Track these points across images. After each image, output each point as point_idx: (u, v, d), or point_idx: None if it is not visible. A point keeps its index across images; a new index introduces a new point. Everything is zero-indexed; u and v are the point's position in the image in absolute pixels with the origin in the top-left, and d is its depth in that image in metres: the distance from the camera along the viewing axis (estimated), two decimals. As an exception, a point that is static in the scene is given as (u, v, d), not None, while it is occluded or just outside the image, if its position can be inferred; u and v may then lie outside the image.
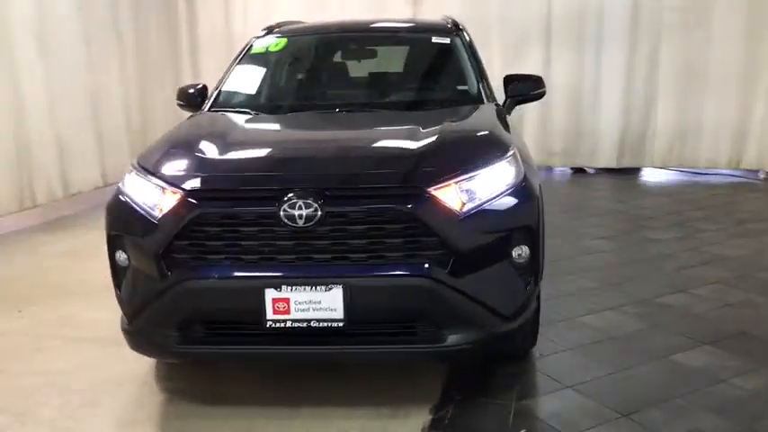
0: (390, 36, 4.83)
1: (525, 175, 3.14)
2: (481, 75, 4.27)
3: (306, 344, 2.93)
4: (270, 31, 4.76)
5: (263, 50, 4.58)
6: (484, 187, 2.99)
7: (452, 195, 2.92)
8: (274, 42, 4.63)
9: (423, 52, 4.66)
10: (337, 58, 4.76)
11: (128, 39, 8.34)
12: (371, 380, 3.41)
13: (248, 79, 4.37)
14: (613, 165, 8.98)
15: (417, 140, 3.23)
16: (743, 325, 3.97)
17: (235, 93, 4.30)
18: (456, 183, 2.94)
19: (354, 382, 3.39)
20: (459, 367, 3.52)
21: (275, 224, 2.83)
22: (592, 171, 9.22)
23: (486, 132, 3.44)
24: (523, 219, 3.06)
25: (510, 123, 3.87)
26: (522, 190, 3.08)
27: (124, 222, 3.08)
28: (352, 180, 2.96)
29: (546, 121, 9.12)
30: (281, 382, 3.44)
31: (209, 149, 3.26)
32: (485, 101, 4.03)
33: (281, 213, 2.81)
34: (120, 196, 3.15)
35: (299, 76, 4.56)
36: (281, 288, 2.84)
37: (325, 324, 2.87)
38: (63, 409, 3.23)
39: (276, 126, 3.93)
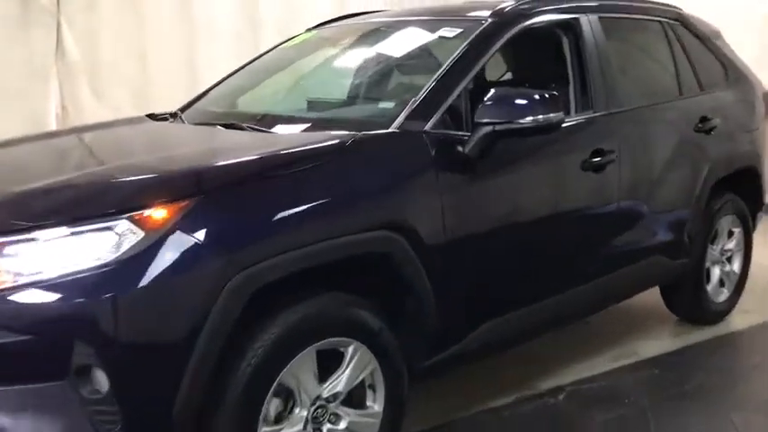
0: (406, 28, 3.36)
1: (148, 254, 1.90)
2: (443, 89, 2.69)
3: None
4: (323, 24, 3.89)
5: (287, 45, 3.79)
6: (42, 258, 1.91)
7: (-11, 261, 1.94)
8: (301, 37, 3.77)
9: (414, 52, 3.15)
10: (328, 56, 3.59)
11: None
12: None
13: (236, 79, 3.66)
14: None
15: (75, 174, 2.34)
16: None
17: (208, 93, 3.65)
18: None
19: None
20: None
21: None
22: None
23: (138, 175, 2.17)
24: (93, 320, 1.87)
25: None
26: (122, 273, 1.90)
27: None
28: None
29: None
30: None
31: None
32: (393, 126, 2.53)
33: None
34: None
35: (264, 78, 3.57)
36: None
37: None
38: None
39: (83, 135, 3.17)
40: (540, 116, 2.59)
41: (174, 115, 3.34)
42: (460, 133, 2.65)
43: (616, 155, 3.20)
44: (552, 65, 3.33)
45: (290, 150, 2.32)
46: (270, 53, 3.82)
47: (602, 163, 3.13)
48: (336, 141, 2.40)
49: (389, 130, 2.53)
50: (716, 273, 4.09)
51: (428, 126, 2.58)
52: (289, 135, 2.62)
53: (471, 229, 2.63)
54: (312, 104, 3.28)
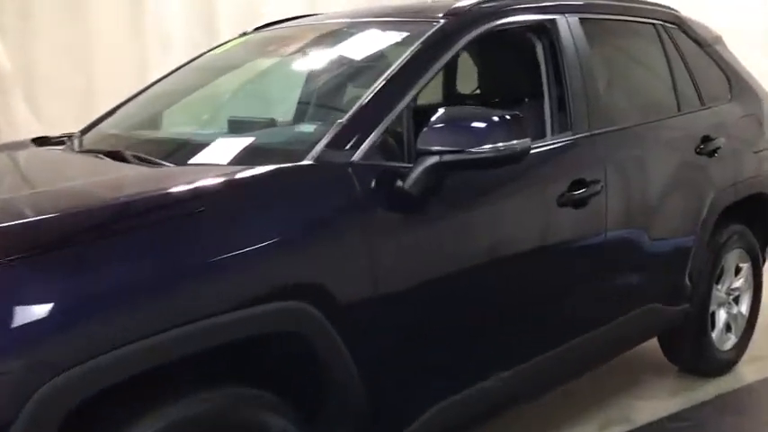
0: (349, 33, 2.76)
1: None
2: (378, 108, 2.11)
3: None
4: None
5: (217, 52, 3.20)
6: None
7: None
8: (233, 42, 3.20)
9: (353, 62, 2.54)
10: (259, 65, 3.01)
11: None
12: None
13: (157, 92, 3.07)
14: None
15: None
16: None
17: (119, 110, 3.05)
18: None
19: None
20: None
21: None
22: None
23: None
24: None
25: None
26: None
27: None
28: None
29: None
30: None
31: None
32: (309, 157, 1.95)
33: None
34: None
35: (188, 92, 2.99)
36: None
37: None
38: None
39: None
40: (501, 143, 2.01)
41: (70, 138, 2.76)
42: (401, 164, 2.07)
43: (601, 185, 2.62)
44: (522, 77, 2.76)
45: (152, 195, 1.72)
46: (197, 61, 3.24)
47: (583, 196, 2.55)
48: (222, 180, 1.80)
49: (303, 162, 1.95)
50: (722, 316, 3.51)
51: (357, 156, 2.00)
52: (170, 171, 2.03)
53: (413, 286, 2.04)
54: (233, 125, 2.69)
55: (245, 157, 2.05)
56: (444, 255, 2.13)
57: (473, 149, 1.99)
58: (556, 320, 2.57)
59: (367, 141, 2.03)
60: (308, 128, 2.30)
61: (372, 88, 2.15)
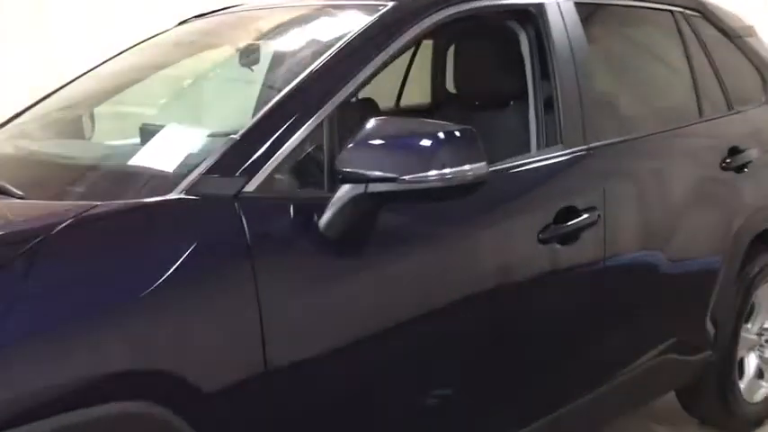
0: (293, 23, 2.24)
1: None
2: (286, 121, 1.58)
3: None
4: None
5: (147, 43, 2.71)
6: None
7: None
8: (163, 36, 2.69)
9: (281, 58, 2.04)
10: (186, 62, 2.49)
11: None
12: None
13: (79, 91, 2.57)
14: None
15: None
16: None
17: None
18: None
19: None
20: None
21: None
22: None
23: None
24: None
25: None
26: None
27: None
28: None
29: None
30: None
31: None
32: (179, 188, 1.42)
33: None
34: None
35: (107, 94, 2.48)
36: None
37: None
38: None
39: None
40: (447, 169, 1.47)
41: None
42: (317, 195, 1.55)
43: (599, 214, 2.06)
44: (502, 76, 2.22)
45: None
46: (117, 58, 2.74)
47: (574, 229, 1.99)
48: (44, 225, 1.27)
49: (169, 195, 1.42)
50: (752, 362, 2.94)
51: (252, 184, 1.47)
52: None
53: (326, 365, 1.51)
54: (146, 135, 2.18)
55: (107, 188, 1.54)
56: (375, 319, 1.59)
57: (409, 177, 1.45)
58: (538, 387, 2.01)
59: (268, 164, 1.50)
60: (194, 145, 1.77)
61: (282, 93, 1.62)
